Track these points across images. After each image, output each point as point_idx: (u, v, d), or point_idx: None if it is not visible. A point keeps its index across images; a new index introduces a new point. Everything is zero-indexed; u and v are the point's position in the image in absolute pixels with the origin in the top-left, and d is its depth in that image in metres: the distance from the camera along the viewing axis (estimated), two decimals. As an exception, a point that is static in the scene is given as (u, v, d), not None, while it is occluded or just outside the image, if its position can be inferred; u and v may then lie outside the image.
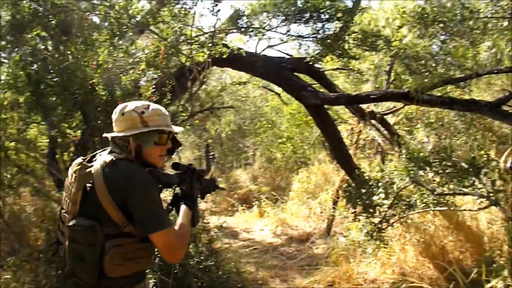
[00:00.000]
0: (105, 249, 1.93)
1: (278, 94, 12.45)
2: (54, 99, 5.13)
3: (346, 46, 4.85)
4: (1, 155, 6.99)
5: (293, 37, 5.46)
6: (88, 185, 2.01)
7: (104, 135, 2.18)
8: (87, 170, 2.03)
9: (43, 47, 5.18)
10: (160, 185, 2.14)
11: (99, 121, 4.93)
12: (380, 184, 4.04)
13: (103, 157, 2.06)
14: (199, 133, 17.36)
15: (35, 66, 5.48)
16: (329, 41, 4.87)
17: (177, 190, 2.29)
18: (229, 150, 16.75)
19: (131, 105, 2.12)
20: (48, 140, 6.99)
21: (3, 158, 7.02)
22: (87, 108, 5.05)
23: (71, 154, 5.85)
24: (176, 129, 2.17)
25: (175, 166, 2.34)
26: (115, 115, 2.11)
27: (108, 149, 2.17)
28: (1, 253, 6.28)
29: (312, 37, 5.17)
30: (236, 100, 14.16)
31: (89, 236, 1.93)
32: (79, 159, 2.12)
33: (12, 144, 6.75)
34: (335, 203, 7.54)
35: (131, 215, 1.95)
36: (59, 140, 6.22)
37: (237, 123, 14.83)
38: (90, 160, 2.14)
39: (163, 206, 2.02)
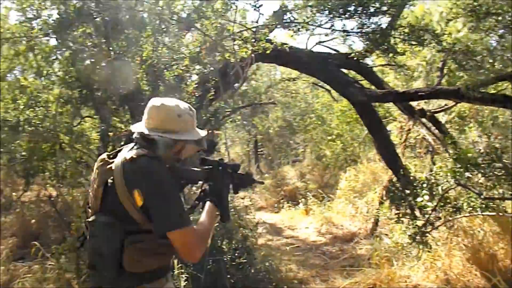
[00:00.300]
0: (125, 245, 1.93)
1: (329, 91, 12.27)
2: (100, 94, 5.23)
3: (392, 41, 4.65)
4: (56, 148, 7.27)
5: (338, 32, 5.32)
6: (109, 181, 2.00)
7: (141, 130, 2.09)
8: (108, 166, 2.03)
9: (90, 43, 5.29)
10: (182, 182, 2.15)
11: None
12: (425, 185, 3.86)
13: (124, 153, 2.04)
14: (248, 129, 17.43)
15: (85, 62, 5.64)
16: (375, 36, 4.70)
17: (206, 186, 2.25)
18: (279, 146, 16.69)
19: (182, 104, 2.13)
20: (99, 134, 7.16)
21: (58, 151, 7.29)
22: (131, 103, 5.13)
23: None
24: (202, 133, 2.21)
25: (203, 161, 2.30)
26: (162, 113, 2.06)
27: (131, 145, 2.13)
28: (53, 241, 6.52)
29: (357, 32, 5.00)
30: (286, 96, 14.11)
31: (108, 232, 1.95)
32: (103, 155, 2.13)
33: (67, 137, 6.99)
34: (381, 203, 7.34)
35: (148, 213, 1.93)
36: (110, 133, 6.37)
37: (287, 119, 14.74)
38: (115, 156, 2.11)
39: (183, 203, 1.99)
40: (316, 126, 13.67)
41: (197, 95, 4.81)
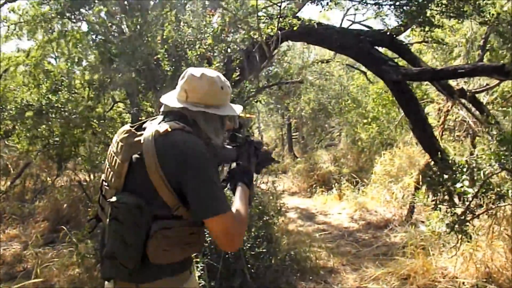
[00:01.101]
0: (151, 232, 1.68)
1: (364, 73, 11.95)
2: (120, 75, 5.05)
3: (428, 13, 4.26)
4: (88, 133, 7.24)
5: (370, 6, 4.95)
6: (135, 156, 1.75)
7: (176, 104, 1.86)
8: (136, 139, 1.77)
9: (110, 24, 5.12)
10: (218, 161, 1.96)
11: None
12: (465, 169, 3.52)
13: (155, 125, 1.79)
14: (282, 112, 17.19)
15: (107, 45, 5.48)
16: (410, 8, 4.32)
17: (233, 165, 2.08)
18: (313, 130, 16.43)
19: (222, 77, 1.93)
20: (131, 118, 7.07)
21: (90, 136, 7.25)
22: (154, 84, 4.94)
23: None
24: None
25: (233, 138, 2.12)
26: (206, 84, 1.83)
27: (159, 117, 1.90)
28: (82, 225, 6.50)
29: (391, 5, 4.63)
30: (320, 78, 13.82)
31: (134, 216, 1.68)
32: (127, 126, 1.86)
33: (97, 122, 6.94)
34: (417, 188, 6.97)
35: (183, 196, 1.70)
36: (141, 117, 6.24)
37: (322, 102, 14.48)
38: (139, 128, 1.88)
39: (222, 185, 1.81)
40: (351, 109, 13.46)
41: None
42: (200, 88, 1.82)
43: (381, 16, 4.92)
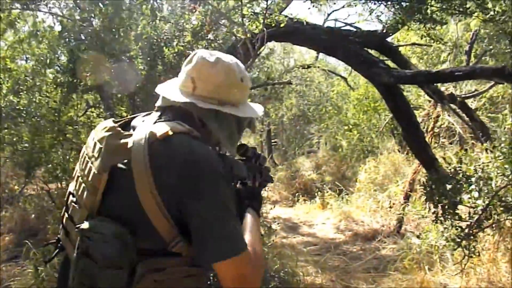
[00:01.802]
0: (136, 275, 1.20)
1: (345, 79, 11.76)
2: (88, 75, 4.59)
3: (428, 10, 3.94)
4: (59, 139, 6.77)
5: (363, 1, 4.60)
6: (120, 165, 1.27)
7: (179, 98, 1.40)
8: (122, 141, 1.29)
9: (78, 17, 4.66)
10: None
11: (137, 100, 4.37)
12: (473, 179, 3.19)
13: (149, 125, 1.33)
14: (261, 118, 16.85)
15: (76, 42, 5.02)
16: (409, 3, 3.98)
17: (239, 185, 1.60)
18: (293, 136, 16.15)
19: (241, 65, 1.50)
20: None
21: (61, 142, 6.79)
22: (126, 85, 4.50)
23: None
24: None
25: (243, 149, 1.63)
26: (221, 73, 1.39)
27: (154, 114, 1.43)
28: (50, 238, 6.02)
29: (388, 0, 4.29)
30: (300, 84, 13.58)
31: (113, 252, 1.18)
32: (109, 121, 1.38)
33: (70, 127, 6.50)
34: (406, 197, 6.67)
35: (184, 225, 1.23)
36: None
37: (301, 108, 14.24)
38: (125, 127, 1.42)
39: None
40: (331, 115, 13.24)
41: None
42: (214, 77, 1.38)
43: (376, 13, 4.57)
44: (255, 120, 1.61)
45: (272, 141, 17.52)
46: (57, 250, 1.49)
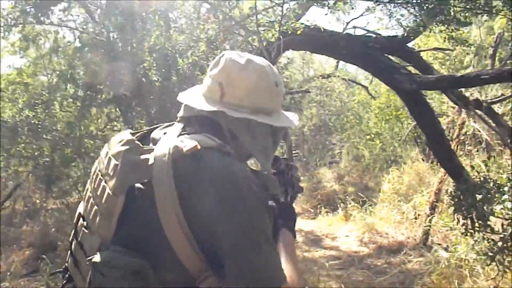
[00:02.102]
0: None
1: (366, 87, 11.58)
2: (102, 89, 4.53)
3: (452, 11, 3.75)
4: (80, 153, 6.76)
5: (383, 4, 4.44)
6: (139, 186, 1.08)
7: (203, 105, 1.22)
8: (142, 156, 1.11)
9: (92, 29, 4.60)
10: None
11: (152, 112, 4.27)
12: (505, 189, 2.98)
13: (172, 138, 1.14)
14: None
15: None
16: (431, 4, 3.80)
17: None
18: (314, 147, 15.96)
19: (274, 68, 1.30)
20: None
21: (82, 156, 6.78)
22: (140, 97, 4.41)
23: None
24: None
25: (276, 162, 1.42)
26: (253, 77, 1.20)
27: (176, 125, 1.25)
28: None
29: (408, 2, 4.12)
30: (320, 94, 13.44)
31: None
32: (126, 133, 1.19)
33: (91, 141, 6.51)
34: (432, 208, 6.42)
35: (214, 257, 1.05)
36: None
37: (322, 118, 14.08)
38: (144, 139, 1.24)
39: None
40: (353, 125, 13.05)
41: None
42: (245, 81, 1.20)
43: (396, 17, 4.41)
44: (288, 131, 1.43)
45: (293, 152, 17.36)
46: (64, 282, 1.27)
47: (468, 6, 3.68)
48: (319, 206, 10.02)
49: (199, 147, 1.07)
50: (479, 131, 7.66)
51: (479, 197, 3.20)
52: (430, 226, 6.21)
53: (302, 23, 4.92)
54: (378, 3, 4.47)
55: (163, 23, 4.28)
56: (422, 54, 6.21)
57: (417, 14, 4.13)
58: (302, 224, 9.09)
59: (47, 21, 4.44)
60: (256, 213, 1.05)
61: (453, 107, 7.25)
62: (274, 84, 1.24)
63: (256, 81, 1.20)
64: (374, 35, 5.68)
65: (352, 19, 5.96)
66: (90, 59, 4.88)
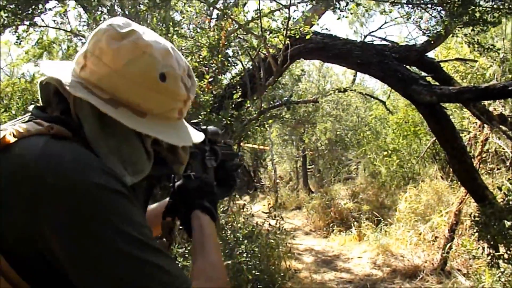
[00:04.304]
0: None
1: (383, 102, 11.24)
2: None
3: (477, 11, 3.37)
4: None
5: (399, 5, 4.07)
6: None
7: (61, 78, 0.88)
8: None
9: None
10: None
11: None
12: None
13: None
14: (296, 144, 16.43)
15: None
16: (455, 5, 3.42)
17: (181, 180, 1.11)
18: (329, 163, 15.59)
19: (178, 55, 0.95)
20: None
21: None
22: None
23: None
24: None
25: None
26: (123, 54, 0.86)
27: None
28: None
29: (429, 3, 3.76)
30: (336, 108, 13.17)
31: None
32: None
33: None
34: (452, 230, 5.97)
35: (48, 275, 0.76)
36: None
37: (339, 133, 13.76)
38: None
39: (154, 242, 0.80)
40: (370, 140, 12.71)
41: (213, 92, 3.72)
42: (113, 56, 0.86)
43: (414, 19, 4.04)
44: (186, 147, 1.05)
45: (308, 167, 17.00)
46: None
47: (495, 6, 3.31)
48: (331, 224, 9.59)
49: (10, 138, 0.79)
50: (503, 148, 7.23)
51: (508, 223, 2.80)
52: (449, 249, 5.76)
53: (315, 32, 4.61)
54: (394, 3, 4.09)
55: (163, 26, 3.98)
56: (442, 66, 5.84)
57: (438, 16, 3.75)
58: (313, 242, 8.70)
59: (41, 23, 4.16)
60: (105, 215, 0.74)
61: (475, 123, 6.82)
62: (156, 76, 0.88)
63: (128, 60, 0.86)
64: (390, 44, 5.32)
65: (370, 33, 5.56)
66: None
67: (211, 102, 3.52)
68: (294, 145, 17.07)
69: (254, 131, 4.83)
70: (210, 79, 3.64)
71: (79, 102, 0.87)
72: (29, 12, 3.78)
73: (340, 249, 8.08)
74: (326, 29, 4.50)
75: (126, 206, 0.78)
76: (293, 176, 18.45)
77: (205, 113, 3.23)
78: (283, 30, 3.82)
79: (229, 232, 3.51)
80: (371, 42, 5.32)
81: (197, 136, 1.02)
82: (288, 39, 3.92)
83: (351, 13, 4.17)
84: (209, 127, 1.19)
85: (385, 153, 11.61)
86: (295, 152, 17.60)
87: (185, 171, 1.07)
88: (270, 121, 6.09)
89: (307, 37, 3.95)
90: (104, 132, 0.87)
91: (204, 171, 1.14)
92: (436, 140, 5.76)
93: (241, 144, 4.34)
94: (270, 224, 5.57)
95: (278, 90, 8.08)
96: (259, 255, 3.69)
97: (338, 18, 4.02)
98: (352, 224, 8.96)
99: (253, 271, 3.28)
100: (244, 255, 3.28)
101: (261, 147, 16.41)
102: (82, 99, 0.85)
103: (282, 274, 4.22)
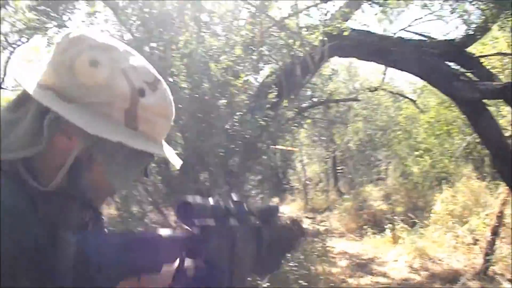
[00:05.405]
0: None
1: (413, 101, 11.00)
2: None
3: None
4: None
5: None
6: None
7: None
8: None
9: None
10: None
11: (181, 122, 3.86)
12: None
13: None
14: (326, 144, 16.23)
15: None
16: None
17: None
18: (360, 163, 15.38)
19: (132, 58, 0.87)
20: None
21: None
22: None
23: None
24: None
25: (184, 209, 0.86)
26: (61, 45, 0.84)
27: None
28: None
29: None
30: (366, 108, 12.96)
31: None
32: None
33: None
34: (494, 233, 5.74)
35: None
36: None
37: (369, 133, 13.55)
38: None
39: None
40: (400, 140, 12.48)
41: (250, 92, 3.62)
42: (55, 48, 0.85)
43: (459, 13, 3.86)
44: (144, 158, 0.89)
45: (338, 168, 16.79)
46: None
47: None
48: (365, 226, 9.39)
49: None
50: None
51: None
52: (492, 253, 5.54)
53: (351, 28, 4.47)
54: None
55: (194, 25, 3.90)
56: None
57: (484, 7, 3.56)
58: (346, 245, 8.52)
59: (70, 24, 4.12)
60: None
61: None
62: (86, 60, 0.81)
63: (63, 48, 0.83)
64: (428, 39, 5.12)
65: (404, 28, 5.33)
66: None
67: (247, 102, 3.42)
68: (323, 146, 16.89)
69: (291, 131, 4.71)
70: (245, 78, 3.54)
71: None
72: (60, 12, 3.75)
73: (375, 252, 7.89)
74: (365, 24, 4.32)
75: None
76: (323, 178, 18.27)
77: (240, 113, 3.14)
78: (320, 26, 3.69)
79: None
80: (408, 38, 5.13)
81: (159, 148, 0.89)
82: (324, 36, 3.79)
83: (390, 7, 4.02)
84: (261, 206, 1.01)
85: (417, 153, 11.40)
86: (324, 153, 17.43)
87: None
88: (309, 121, 5.96)
89: (345, 33, 3.81)
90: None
91: (222, 259, 0.90)
92: (476, 139, 5.53)
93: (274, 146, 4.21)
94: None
95: (306, 91, 7.94)
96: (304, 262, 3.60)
97: (376, 14, 3.86)
98: (385, 226, 8.73)
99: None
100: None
101: (290, 148, 16.27)
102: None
103: (320, 278, 4.10)
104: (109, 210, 6.50)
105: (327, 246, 7.19)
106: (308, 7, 3.86)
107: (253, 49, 3.87)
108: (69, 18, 3.98)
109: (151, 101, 0.85)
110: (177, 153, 0.96)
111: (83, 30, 0.86)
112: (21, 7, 4.56)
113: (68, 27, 3.95)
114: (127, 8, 3.77)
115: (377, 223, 9.42)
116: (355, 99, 7.25)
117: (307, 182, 15.69)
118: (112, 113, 0.82)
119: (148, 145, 0.85)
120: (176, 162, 0.93)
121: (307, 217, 5.51)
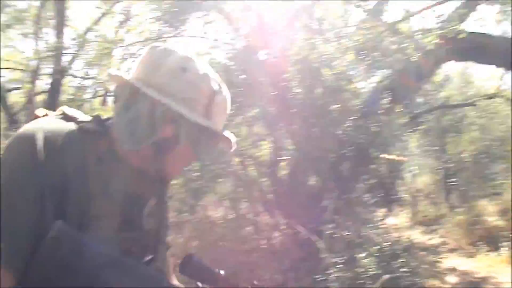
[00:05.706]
0: None
1: (536, 109, 10.25)
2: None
3: None
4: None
5: None
6: None
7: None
8: None
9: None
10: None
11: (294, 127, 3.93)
12: None
13: None
14: (437, 155, 15.58)
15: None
16: None
17: None
18: (474, 176, 14.56)
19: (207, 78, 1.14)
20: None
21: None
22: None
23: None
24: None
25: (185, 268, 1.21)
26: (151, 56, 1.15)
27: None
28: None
29: None
30: (482, 117, 12.24)
31: None
32: None
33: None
34: None
35: None
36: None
37: (484, 144, 12.79)
38: None
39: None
40: (521, 152, 11.62)
41: (363, 98, 3.59)
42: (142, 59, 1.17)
43: None
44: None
45: (450, 180, 16.02)
46: None
47: None
48: (478, 243, 8.84)
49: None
50: None
51: None
52: None
53: (465, 30, 4.27)
54: None
55: (306, 31, 3.96)
56: None
57: None
58: (457, 262, 8.08)
59: (185, 33, 4.36)
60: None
61: None
62: (178, 67, 1.10)
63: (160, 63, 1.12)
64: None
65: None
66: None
67: (359, 107, 3.41)
68: (435, 156, 16.21)
69: (402, 138, 4.57)
70: (358, 84, 3.53)
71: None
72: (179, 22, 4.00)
73: (488, 271, 7.41)
74: (482, 26, 4.11)
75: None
76: (434, 189, 17.53)
77: (353, 118, 3.13)
78: (436, 30, 3.58)
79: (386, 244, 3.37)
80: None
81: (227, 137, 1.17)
82: (440, 39, 3.67)
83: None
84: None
85: (540, 166, 10.61)
86: (435, 164, 16.73)
87: None
88: (423, 126, 5.77)
89: (461, 36, 3.65)
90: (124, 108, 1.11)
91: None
92: None
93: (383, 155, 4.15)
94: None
95: (418, 97, 7.71)
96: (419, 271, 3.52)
97: (498, 13, 3.64)
98: (501, 244, 8.17)
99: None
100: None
101: (399, 157, 15.77)
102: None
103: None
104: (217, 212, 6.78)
105: (437, 261, 6.87)
106: (422, 10, 3.75)
107: (366, 54, 3.83)
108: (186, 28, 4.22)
109: (220, 99, 1.14)
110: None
111: (167, 44, 1.15)
112: (146, 18, 4.95)
113: (184, 36, 4.23)
114: (240, 17, 3.93)
115: (492, 240, 8.83)
116: (472, 104, 6.88)
117: (417, 193, 15.11)
118: (196, 107, 1.10)
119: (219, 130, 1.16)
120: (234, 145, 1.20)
121: (416, 229, 5.28)
